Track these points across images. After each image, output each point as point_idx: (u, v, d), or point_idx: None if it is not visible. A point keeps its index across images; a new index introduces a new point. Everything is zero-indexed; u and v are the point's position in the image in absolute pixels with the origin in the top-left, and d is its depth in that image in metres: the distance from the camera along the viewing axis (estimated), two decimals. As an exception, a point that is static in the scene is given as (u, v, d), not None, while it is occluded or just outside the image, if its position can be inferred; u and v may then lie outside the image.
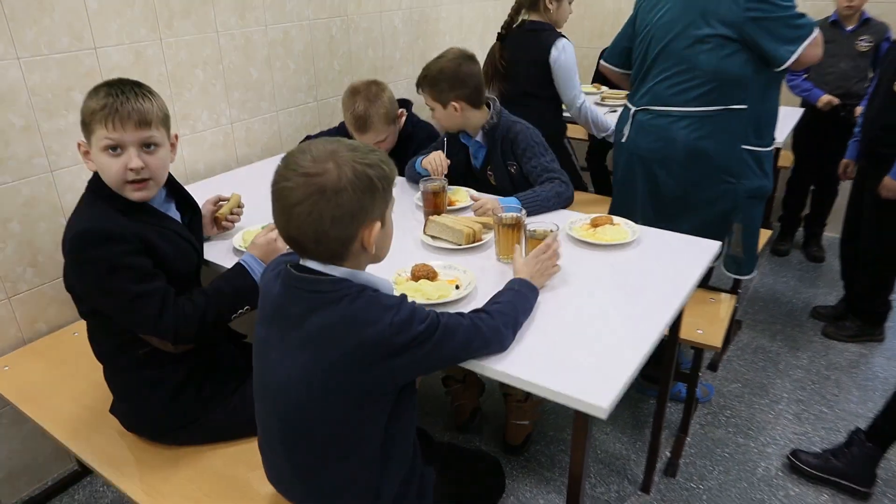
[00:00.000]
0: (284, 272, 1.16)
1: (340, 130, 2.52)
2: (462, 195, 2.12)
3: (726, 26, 1.92)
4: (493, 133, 2.14)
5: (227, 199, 1.93)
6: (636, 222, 2.18)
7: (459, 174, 2.27)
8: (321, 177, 1.05)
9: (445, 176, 2.08)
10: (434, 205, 1.92)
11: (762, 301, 3.20)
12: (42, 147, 2.02)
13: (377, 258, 1.22)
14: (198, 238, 1.70)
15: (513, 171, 2.15)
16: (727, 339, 2.82)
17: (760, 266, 3.54)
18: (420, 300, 1.45)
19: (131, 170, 1.42)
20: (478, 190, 2.18)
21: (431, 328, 1.13)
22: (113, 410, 1.64)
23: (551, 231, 1.60)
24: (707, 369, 2.67)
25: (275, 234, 1.62)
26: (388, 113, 2.29)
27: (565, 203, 2.02)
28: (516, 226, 1.62)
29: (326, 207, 1.05)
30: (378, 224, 1.12)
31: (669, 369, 1.90)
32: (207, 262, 1.77)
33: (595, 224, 1.82)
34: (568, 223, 1.84)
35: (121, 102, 1.39)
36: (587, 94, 3.50)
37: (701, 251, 1.72)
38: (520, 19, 2.77)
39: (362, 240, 1.11)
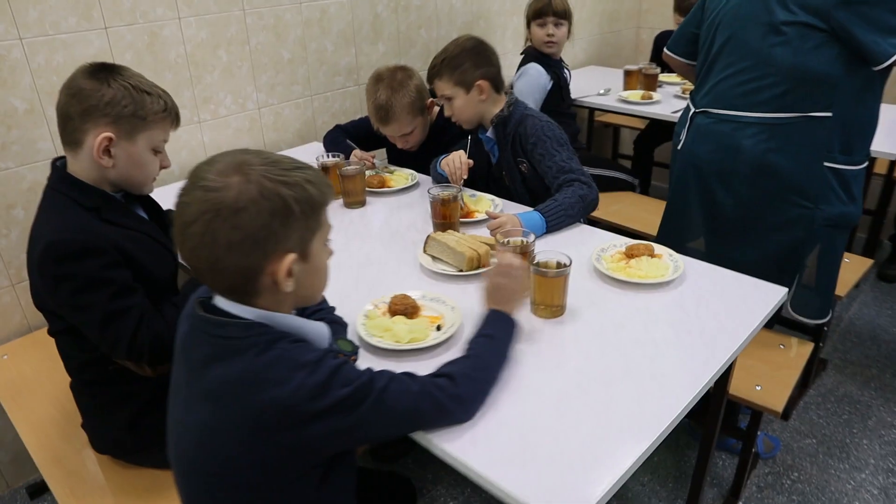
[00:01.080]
0: (191, 308, 0.96)
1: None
2: (485, 205, 1.85)
3: (810, 12, 1.52)
4: (504, 127, 1.88)
5: None
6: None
7: (482, 176, 2.00)
8: (219, 192, 0.84)
9: (466, 180, 1.82)
10: (443, 217, 1.67)
11: (857, 337, 2.72)
12: (48, 132, 1.93)
13: (305, 299, 1.00)
14: (170, 240, 1.57)
15: (523, 169, 1.88)
16: (805, 382, 2.39)
17: (861, 293, 3.03)
18: (387, 343, 1.22)
19: (164, 167, 1.44)
20: (496, 193, 1.92)
21: (360, 394, 0.90)
22: (84, 426, 1.53)
23: (522, 241, 1.41)
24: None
25: None
26: (414, 102, 2.05)
27: (590, 208, 1.73)
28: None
29: (221, 229, 0.84)
30: (291, 257, 0.89)
31: (714, 426, 1.57)
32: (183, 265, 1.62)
33: (630, 254, 1.51)
34: (596, 251, 1.53)
35: (173, 103, 1.39)
36: (669, 83, 3.12)
37: (761, 296, 1.37)
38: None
39: (273, 275, 0.89)
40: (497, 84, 1.88)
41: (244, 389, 0.87)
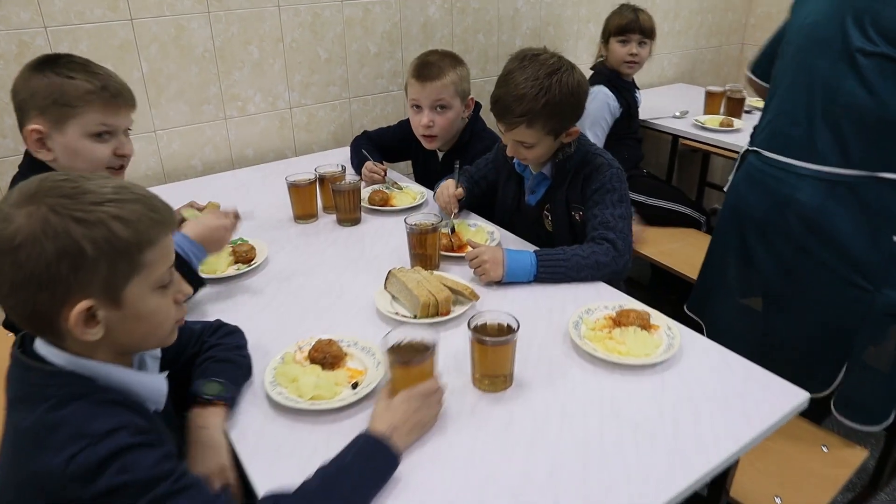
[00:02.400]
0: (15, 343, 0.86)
1: (402, 127, 2.15)
2: (482, 237, 1.64)
3: (892, 43, 1.18)
4: (565, 165, 1.59)
5: (201, 208, 1.68)
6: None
7: (506, 210, 1.78)
8: (2, 223, 0.74)
9: (456, 213, 1.63)
10: (419, 250, 1.48)
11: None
12: (65, 119, 1.94)
13: (129, 347, 0.86)
14: None
15: (577, 217, 1.61)
16: (875, 483, 1.98)
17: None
18: (287, 397, 1.06)
19: (121, 156, 1.36)
20: (530, 236, 1.66)
21: (135, 490, 0.73)
22: None
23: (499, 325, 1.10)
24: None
25: (227, 220, 1.41)
26: (461, 81, 1.91)
27: (605, 276, 1.46)
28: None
29: (3, 265, 0.74)
30: (83, 304, 0.76)
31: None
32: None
33: (618, 321, 1.25)
34: (580, 312, 1.29)
35: (113, 83, 1.31)
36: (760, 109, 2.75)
37: (776, 397, 1.08)
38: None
39: (67, 321, 0.76)
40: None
41: (24, 447, 0.75)
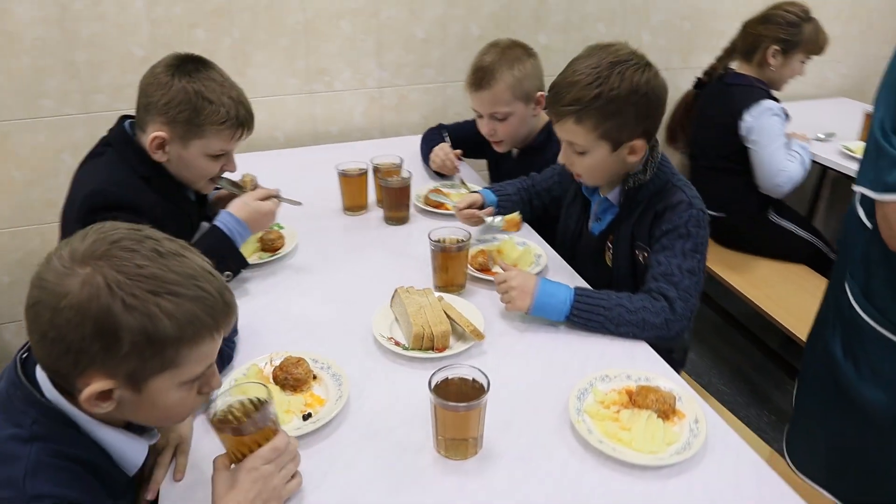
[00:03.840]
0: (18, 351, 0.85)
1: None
2: (527, 261, 1.45)
3: None
4: (637, 194, 1.34)
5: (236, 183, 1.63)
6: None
7: (568, 235, 1.56)
8: (52, 278, 0.72)
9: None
10: (444, 270, 1.34)
11: None
12: (156, 80, 2.00)
13: (134, 421, 0.83)
14: (199, 222, 1.53)
15: (641, 259, 1.36)
16: None
17: None
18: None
19: (225, 170, 1.40)
20: (588, 268, 1.45)
21: None
22: None
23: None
24: None
25: (258, 193, 1.39)
26: (521, 82, 1.68)
27: (650, 338, 1.22)
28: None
29: (40, 317, 0.72)
30: (105, 384, 0.73)
31: None
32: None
33: (634, 400, 1.03)
34: (594, 377, 1.08)
35: (243, 110, 1.32)
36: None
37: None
38: (723, 67, 2.20)
39: (84, 393, 0.73)
40: (650, 137, 1.31)
41: None
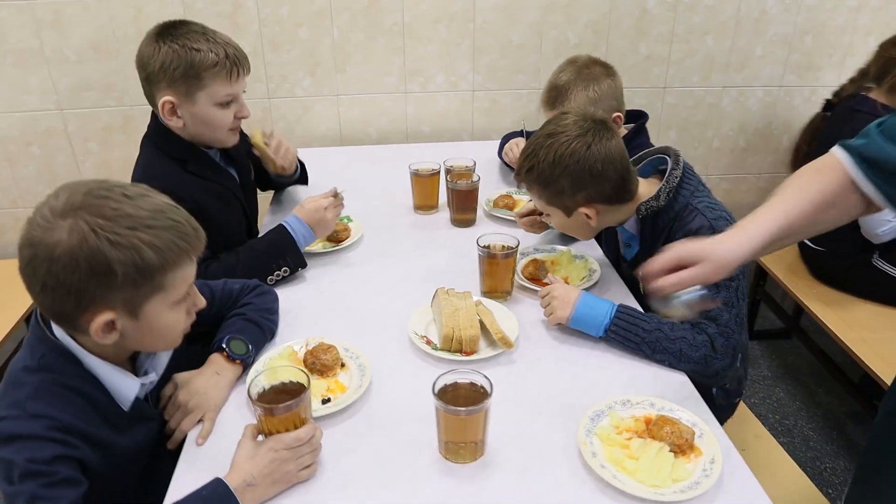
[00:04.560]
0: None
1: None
2: (579, 273, 1.43)
3: None
4: (655, 222, 1.30)
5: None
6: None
7: (611, 261, 1.53)
8: (39, 234, 0.82)
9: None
10: (488, 273, 1.35)
11: None
12: (263, 75, 2.16)
13: (137, 349, 0.99)
14: (250, 201, 1.64)
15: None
16: None
17: None
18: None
19: (241, 118, 1.46)
20: (630, 295, 1.41)
21: (9, 474, 0.83)
22: None
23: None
24: None
25: (326, 201, 1.47)
26: (594, 103, 1.64)
27: (687, 370, 1.17)
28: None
29: (39, 269, 0.83)
30: (106, 316, 0.86)
31: None
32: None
33: (651, 430, 1.00)
34: (614, 401, 1.06)
35: (233, 50, 1.39)
36: None
37: None
38: (854, 89, 2.03)
39: (87, 324, 0.86)
40: (615, 197, 1.29)
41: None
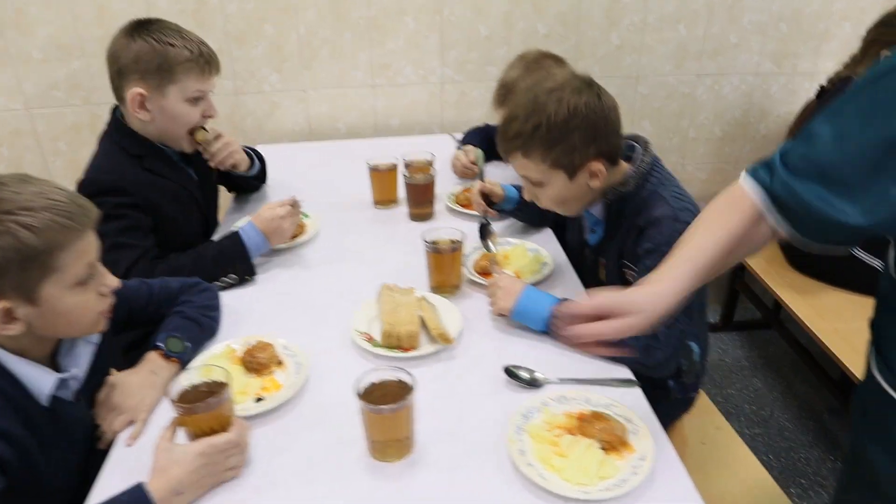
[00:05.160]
0: None
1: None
2: (534, 266, 1.42)
3: None
4: (621, 207, 1.28)
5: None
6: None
7: (573, 246, 1.51)
8: None
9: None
10: (437, 272, 1.34)
11: None
12: (230, 71, 2.15)
13: (52, 336, 0.96)
14: (209, 202, 1.63)
15: (629, 278, 1.29)
16: None
17: None
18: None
19: (207, 117, 1.47)
20: (587, 283, 1.39)
21: None
22: None
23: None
24: None
25: (284, 210, 1.44)
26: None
27: (629, 362, 1.15)
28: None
29: None
30: (3, 305, 0.85)
31: None
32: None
33: (581, 427, 0.98)
34: (549, 397, 1.04)
35: (206, 49, 1.41)
36: None
37: None
38: (846, 75, 1.97)
39: None
40: (615, 155, 1.26)
41: None
